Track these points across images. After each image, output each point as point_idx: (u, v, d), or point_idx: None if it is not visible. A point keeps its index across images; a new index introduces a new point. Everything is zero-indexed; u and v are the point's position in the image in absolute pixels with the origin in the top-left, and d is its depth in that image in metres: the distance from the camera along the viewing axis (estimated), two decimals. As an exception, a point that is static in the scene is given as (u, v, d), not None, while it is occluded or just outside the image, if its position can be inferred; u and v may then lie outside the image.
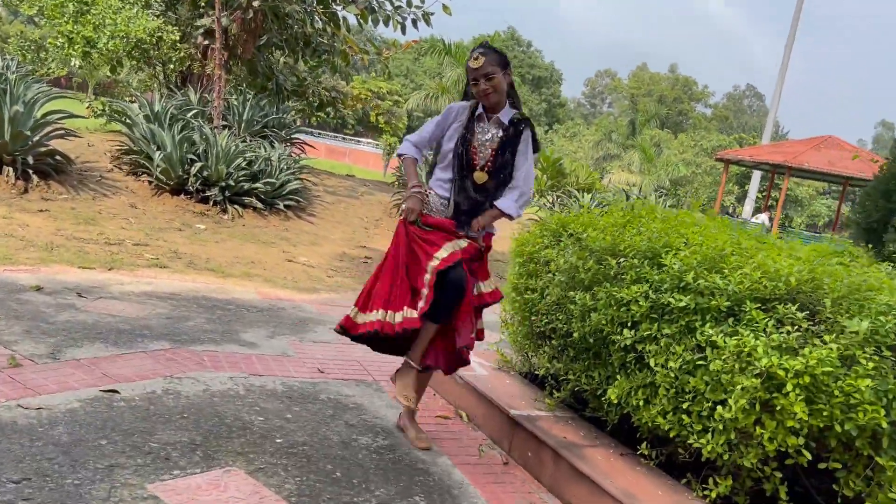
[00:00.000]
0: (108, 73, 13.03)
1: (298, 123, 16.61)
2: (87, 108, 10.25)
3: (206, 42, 11.63)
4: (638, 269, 3.26)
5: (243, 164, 8.72)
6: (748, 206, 33.73)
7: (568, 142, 67.63)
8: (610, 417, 3.35)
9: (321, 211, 9.99)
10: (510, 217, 3.34)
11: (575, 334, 3.46)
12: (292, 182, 9.31)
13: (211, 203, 8.55)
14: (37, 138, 7.48)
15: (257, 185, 8.80)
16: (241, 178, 8.66)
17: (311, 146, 12.39)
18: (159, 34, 10.98)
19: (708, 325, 2.87)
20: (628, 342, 3.13)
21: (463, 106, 3.35)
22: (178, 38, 11.11)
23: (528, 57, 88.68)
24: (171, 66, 11.28)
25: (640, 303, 3.12)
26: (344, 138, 44.50)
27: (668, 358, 2.98)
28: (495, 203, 3.26)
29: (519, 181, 3.27)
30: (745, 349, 2.66)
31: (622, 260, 3.37)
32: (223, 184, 8.53)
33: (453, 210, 3.32)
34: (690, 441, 2.86)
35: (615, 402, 3.20)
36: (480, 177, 3.28)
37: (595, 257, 3.56)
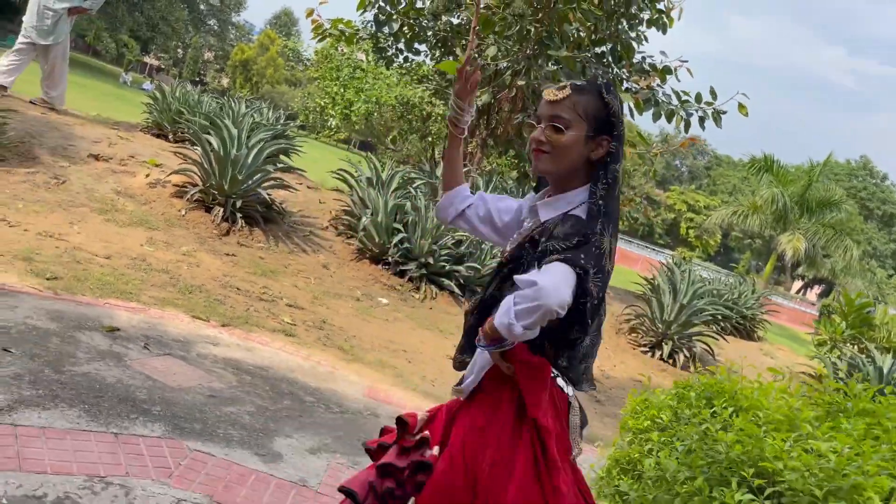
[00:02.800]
0: (391, 144, 13.38)
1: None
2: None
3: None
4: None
5: (450, 244, 7.89)
6: None
7: (922, 291, 57.04)
8: None
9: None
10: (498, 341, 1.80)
11: None
12: (504, 272, 8.22)
13: (407, 278, 7.83)
14: (249, 184, 7.44)
15: (459, 267, 7.88)
16: (443, 258, 7.82)
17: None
18: (426, 107, 10.91)
19: None
20: None
21: None
22: (441, 111, 10.90)
23: (880, 190, 77.91)
24: (430, 140, 11.09)
25: None
26: (637, 244, 42.39)
27: None
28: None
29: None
30: None
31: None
32: (423, 260, 7.76)
33: None
34: None
35: None
36: None
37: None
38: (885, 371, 7.90)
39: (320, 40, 11.99)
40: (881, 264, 66.57)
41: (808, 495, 1.56)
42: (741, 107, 10.69)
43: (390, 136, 12.12)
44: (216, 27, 72.95)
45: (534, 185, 2.12)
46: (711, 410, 2.17)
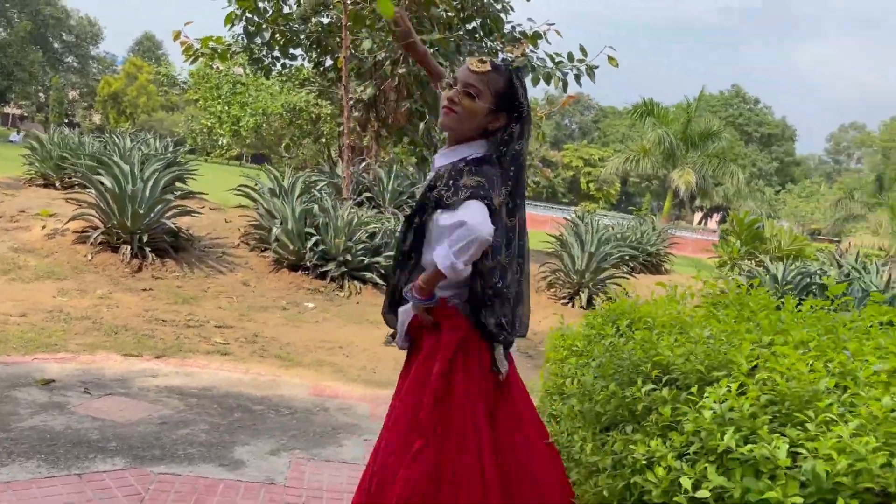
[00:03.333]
0: (284, 152, 13.34)
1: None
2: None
3: (359, 114, 11.47)
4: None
5: (364, 238, 8.08)
6: None
7: (804, 202, 61.13)
8: None
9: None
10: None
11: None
12: (420, 255, 8.49)
13: (328, 279, 7.98)
14: (152, 217, 7.40)
15: (378, 258, 8.10)
16: (359, 253, 8.01)
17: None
18: (314, 109, 10.99)
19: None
20: None
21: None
22: (329, 111, 11.01)
23: (754, 114, 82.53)
24: (324, 140, 11.19)
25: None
26: (544, 206, 43.72)
27: None
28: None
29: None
30: None
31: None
32: (341, 258, 7.93)
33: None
34: None
35: None
36: None
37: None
38: (779, 277, 8.65)
39: (193, 61, 11.83)
40: (768, 182, 70.59)
41: (695, 374, 1.90)
42: (611, 59, 11.29)
43: (283, 144, 12.14)
44: (76, 64, 69.52)
45: (427, 162, 2.40)
46: (615, 329, 2.52)
